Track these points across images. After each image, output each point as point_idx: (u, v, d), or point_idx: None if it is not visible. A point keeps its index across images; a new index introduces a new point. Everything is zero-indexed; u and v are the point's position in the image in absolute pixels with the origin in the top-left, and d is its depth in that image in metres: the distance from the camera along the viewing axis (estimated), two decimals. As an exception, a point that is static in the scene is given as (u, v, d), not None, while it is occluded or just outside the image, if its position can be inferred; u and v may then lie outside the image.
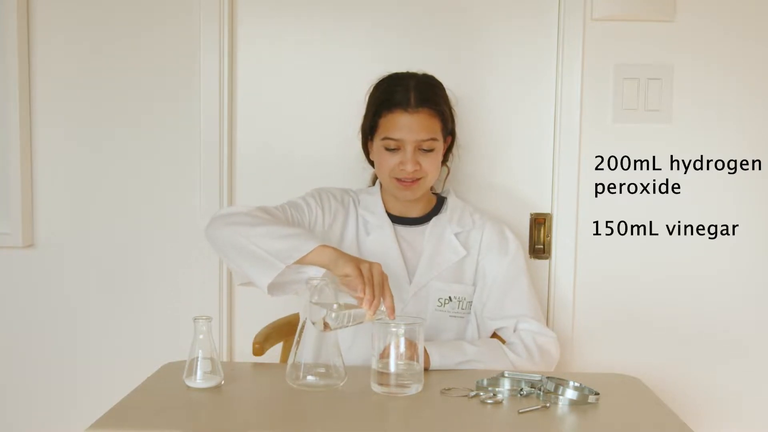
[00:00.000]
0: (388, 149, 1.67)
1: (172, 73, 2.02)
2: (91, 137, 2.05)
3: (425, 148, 1.67)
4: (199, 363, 1.37)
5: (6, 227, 2.04)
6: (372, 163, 1.80)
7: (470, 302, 1.74)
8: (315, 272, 1.48)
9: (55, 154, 2.06)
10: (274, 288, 1.50)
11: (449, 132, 1.75)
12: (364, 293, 1.37)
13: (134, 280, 2.07)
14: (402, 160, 1.66)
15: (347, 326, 1.37)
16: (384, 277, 1.42)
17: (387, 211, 1.76)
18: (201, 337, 1.38)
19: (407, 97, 1.65)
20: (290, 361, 1.41)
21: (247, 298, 2.05)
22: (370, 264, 1.42)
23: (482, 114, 2.02)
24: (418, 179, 1.68)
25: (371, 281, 1.39)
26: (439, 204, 1.80)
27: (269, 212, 1.59)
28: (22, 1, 1.99)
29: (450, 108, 1.74)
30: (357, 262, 1.42)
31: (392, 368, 1.35)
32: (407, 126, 1.64)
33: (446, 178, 1.87)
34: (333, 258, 1.44)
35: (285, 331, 1.82)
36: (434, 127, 1.68)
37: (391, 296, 1.41)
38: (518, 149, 2.04)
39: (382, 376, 1.36)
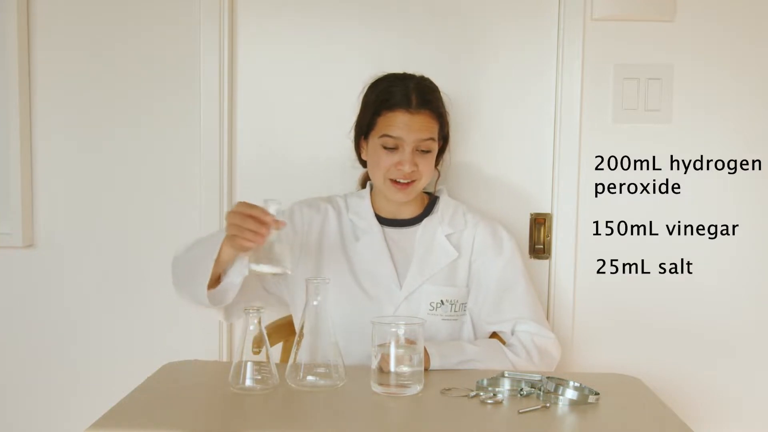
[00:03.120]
0: (386, 147, 1.66)
1: (172, 73, 2.02)
2: (91, 137, 2.05)
3: (423, 148, 1.67)
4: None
5: (6, 227, 2.04)
6: (363, 163, 1.80)
7: (463, 304, 1.72)
8: (238, 277, 1.53)
9: (55, 154, 2.06)
10: (217, 297, 1.55)
11: (443, 136, 1.75)
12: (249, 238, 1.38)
13: (134, 280, 2.07)
14: (400, 160, 1.65)
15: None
16: (243, 209, 1.40)
17: (377, 214, 1.75)
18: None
19: (409, 97, 1.65)
20: (290, 361, 1.41)
21: (247, 298, 2.05)
22: (228, 218, 1.42)
23: (482, 114, 2.02)
24: (413, 181, 1.68)
25: (241, 226, 1.38)
26: (431, 204, 1.79)
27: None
28: (22, 1, 1.99)
29: (445, 111, 1.75)
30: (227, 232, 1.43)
31: (392, 368, 1.35)
32: (408, 125, 1.64)
33: (437, 180, 1.86)
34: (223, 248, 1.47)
35: (285, 331, 1.82)
36: (433, 128, 1.68)
37: (258, 208, 1.40)
38: (518, 149, 2.04)
39: (382, 376, 1.36)
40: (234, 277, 1.53)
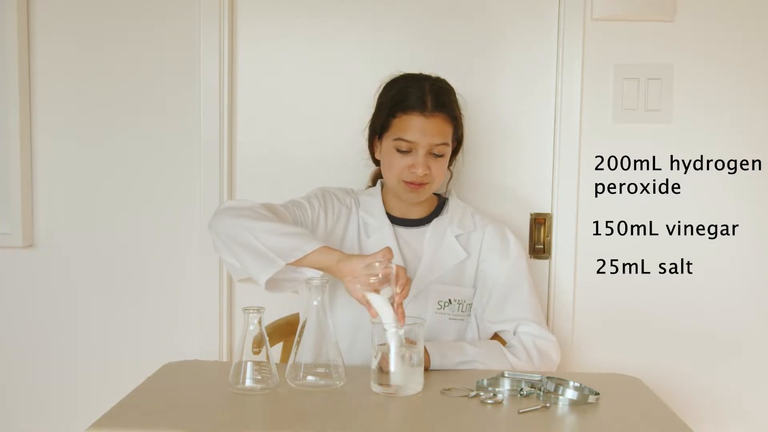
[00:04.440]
0: (399, 150, 1.66)
1: (172, 73, 2.02)
2: (91, 137, 2.05)
3: (436, 153, 1.67)
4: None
5: (6, 227, 2.04)
6: (376, 162, 1.80)
7: (470, 304, 1.73)
8: (313, 273, 1.49)
9: (55, 154, 2.06)
10: (271, 284, 1.51)
11: (457, 138, 1.75)
12: (397, 285, 1.39)
13: (134, 280, 2.07)
14: (413, 162, 1.65)
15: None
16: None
17: (388, 212, 1.76)
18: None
19: (424, 100, 1.65)
20: (290, 361, 1.41)
21: (247, 298, 2.05)
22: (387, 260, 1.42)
23: (482, 114, 2.02)
24: (426, 183, 1.68)
25: (405, 277, 1.40)
26: (440, 205, 1.80)
27: (274, 210, 1.60)
28: (22, 1, 1.99)
29: (460, 113, 1.74)
30: (371, 260, 1.41)
31: (392, 368, 1.35)
32: (422, 129, 1.64)
33: (449, 181, 1.87)
34: (339, 259, 1.43)
35: (285, 331, 1.82)
36: (447, 132, 1.68)
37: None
38: (518, 149, 2.04)
39: (382, 376, 1.36)
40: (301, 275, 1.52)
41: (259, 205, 1.58)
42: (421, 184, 1.68)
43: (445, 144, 1.67)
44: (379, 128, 1.72)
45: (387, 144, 1.69)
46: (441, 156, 1.68)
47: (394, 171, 1.68)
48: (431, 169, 1.66)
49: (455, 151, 1.79)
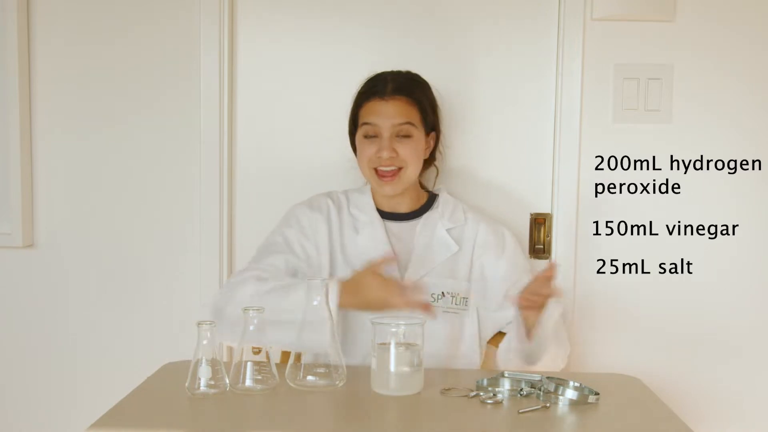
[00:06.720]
0: (366, 137, 1.70)
1: (172, 73, 2.02)
2: (90, 137, 2.05)
3: (402, 134, 1.68)
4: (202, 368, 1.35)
5: (6, 227, 2.04)
6: None
7: (465, 298, 1.72)
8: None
9: (55, 154, 2.06)
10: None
11: (431, 127, 1.76)
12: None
13: (134, 280, 2.07)
14: (379, 147, 1.67)
15: None
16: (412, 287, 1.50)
17: (378, 208, 1.76)
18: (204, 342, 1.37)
19: (384, 86, 1.70)
20: (290, 361, 1.41)
21: (247, 298, 2.05)
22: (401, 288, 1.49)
23: (482, 114, 2.02)
24: (399, 170, 1.69)
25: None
26: (430, 200, 1.81)
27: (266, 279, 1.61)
28: (22, 1, 1.99)
29: (431, 102, 1.76)
30: (390, 294, 1.48)
31: (392, 368, 1.35)
32: (382, 111, 1.68)
33: (436, 178, 1.87)
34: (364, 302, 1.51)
35: (285, 331, 1.82)
36: (410, 113, 1.70)
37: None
38: (518, 149, 2.04)
39: (382, 376, 1.36)
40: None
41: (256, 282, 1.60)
42: (393, 173, 1.68)
43: (410, 123, 1.69)
44: (351, 124, 1.77)
45: (358, 135, 1.73)
46: (408, 137, 1.69)
47: (364, 160, 1.71)
48: (398, 152, 1.68)
49: (435, 145, 1.80)
